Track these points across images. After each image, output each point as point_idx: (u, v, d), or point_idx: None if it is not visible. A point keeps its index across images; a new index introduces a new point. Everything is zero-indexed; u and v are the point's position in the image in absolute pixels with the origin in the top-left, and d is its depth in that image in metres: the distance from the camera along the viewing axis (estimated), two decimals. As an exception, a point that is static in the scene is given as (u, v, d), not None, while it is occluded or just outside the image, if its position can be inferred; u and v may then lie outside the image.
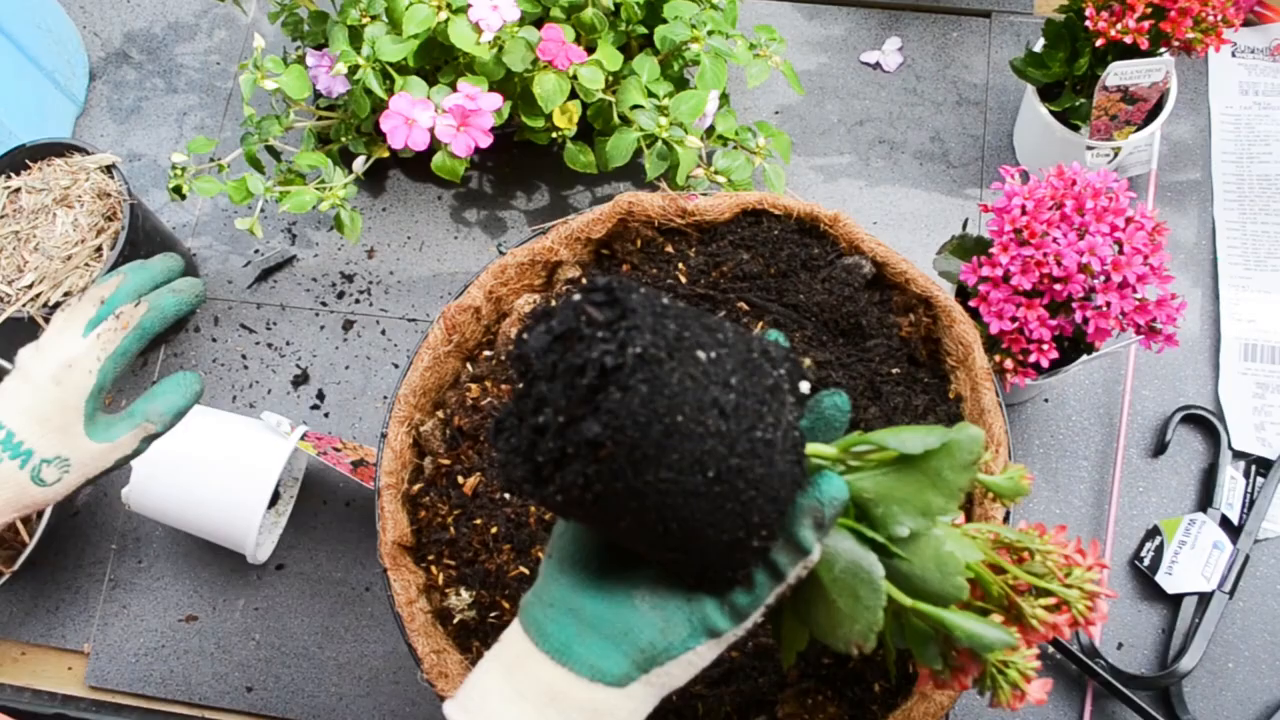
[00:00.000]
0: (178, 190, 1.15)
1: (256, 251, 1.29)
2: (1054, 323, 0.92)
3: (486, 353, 0.94)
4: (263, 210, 1.27)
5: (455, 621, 0.86)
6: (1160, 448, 1.11)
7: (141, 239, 1.16)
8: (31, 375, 0.73)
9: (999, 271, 0.92)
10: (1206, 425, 1.11)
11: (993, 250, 0.92)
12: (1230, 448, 1.09)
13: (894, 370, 0.89)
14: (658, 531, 0.51)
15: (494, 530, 0.87)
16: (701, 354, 0.50)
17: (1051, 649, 1.04)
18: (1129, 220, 0.92)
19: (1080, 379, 1.15)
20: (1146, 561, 1.06)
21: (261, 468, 1.05)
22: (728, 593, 0.56)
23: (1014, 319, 0.92)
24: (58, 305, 1.09)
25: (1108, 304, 0.90)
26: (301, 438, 1.08)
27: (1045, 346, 0.92)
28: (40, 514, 1.09)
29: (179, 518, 1.08)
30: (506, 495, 0.88)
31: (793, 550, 0.55)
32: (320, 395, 1.22)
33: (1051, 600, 0.58)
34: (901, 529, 0.56)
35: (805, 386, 0.58)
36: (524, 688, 0.55)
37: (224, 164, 1.18)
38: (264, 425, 1.09)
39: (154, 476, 1.06)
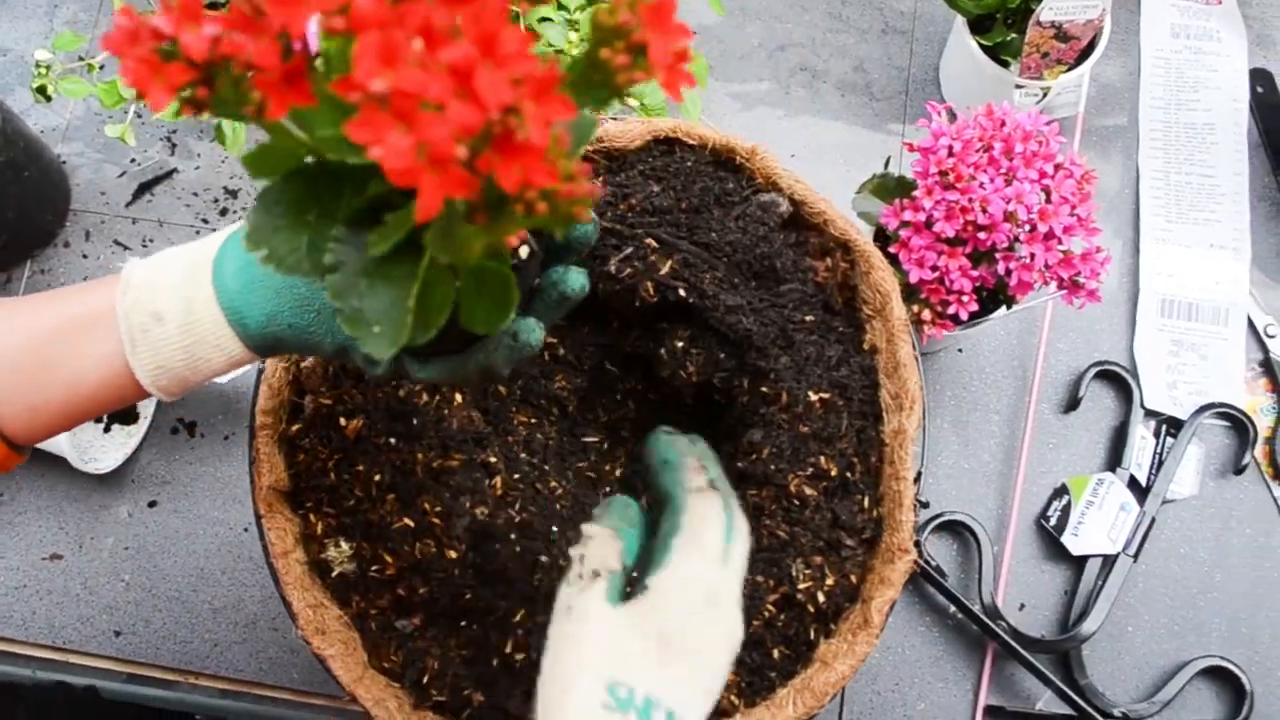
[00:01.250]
0: (42, 91, 1.05)
1: (133, 161, 1.20)
2: (976, 273, 0.88)
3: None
4: (138, 116, 1.17)
5: (334, 574, 0.80)
6: (1073, 404, 1.08)
7: (2, 143, 1.06)
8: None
9: (921, 216, 0.87)
10: (1120, 382, 1.09)
11: (916, 193, 0.88)
12: (1142, 406, 1.07)
13: (808, 318, 0.84)
14: None
15: (377, 478, 0.81)
16: None
17: (953, 609, 1.02)
18: (1058, 167, 0.88)
19: (995, 329, 1.12)
20: (1053, 521, 1.04)
21: None
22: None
23: (934, 268, 0.88)
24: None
25: (1032, 256, 0.86)
26: None
27: (966, 298, 0.88)
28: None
29: None
30: (391, 440, 0.82)
31: None
32: (199, 319, 1.14)
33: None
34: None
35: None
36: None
37: (95, 64, 1.08)
38: None
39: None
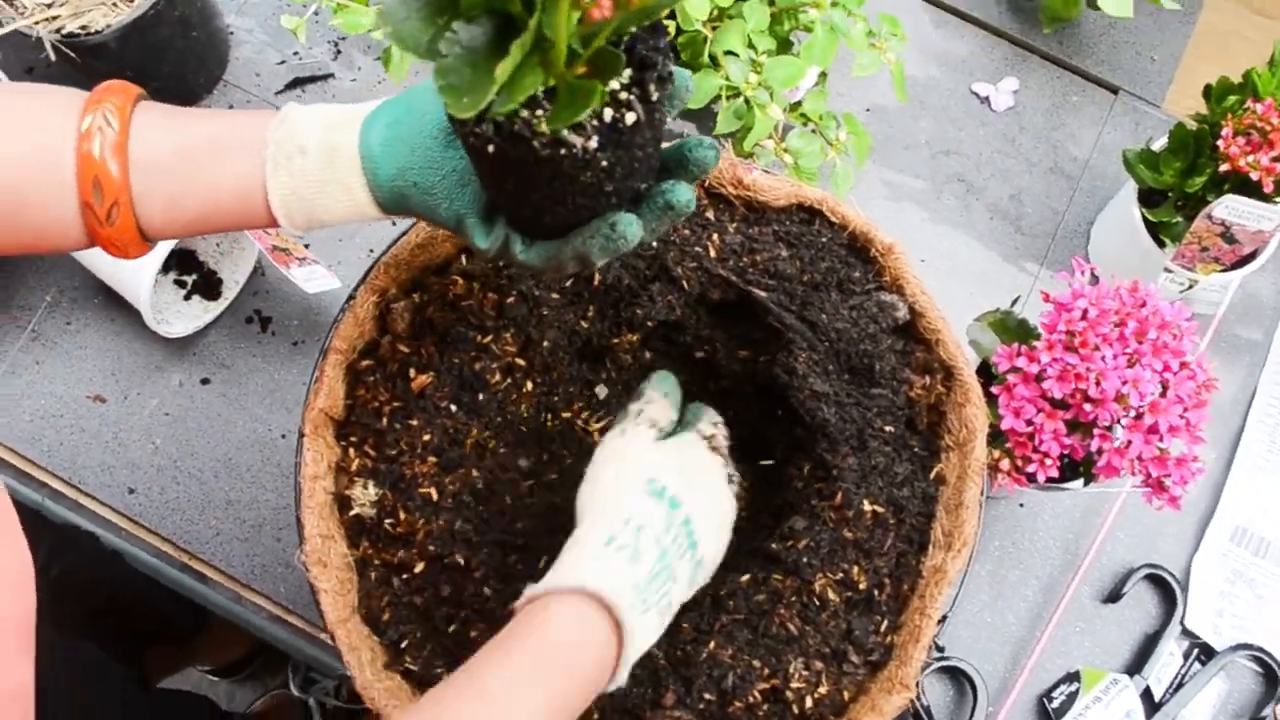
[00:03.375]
0: (237, -39, 1.06)
1: (295, 54, 1.21)
2: (1068, 441, 0.85)
3: (486, 252, 0.86)
4: (316, 14, 1.19)
5: (352, 513, 0.80)
6: (1114, 596, 1.05)
7: (180, -4, 1.07)
8: None
9: (1035, 369, 0.85)
10: (1167, 591, 1.06)
11: (1037, 345, 0.86)
12: (1182, 622, 1.04)
13: (888, 428, 0.82)
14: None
15: (426, 438, 0.81)
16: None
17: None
18: (1184, 364, 0.85)
19: (1062, 497, 1.09)
20: (1056, 703, 1.01)
21: None
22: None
23: (1030, 422, 0.86)
24: (71, 35, 1.00)
25: (1129, 443, 0.84)
26: None
27: (1050, 462, 0.86)
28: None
29: (92, 255, 1.04)
30: (453, 407, 0.82)
31: None
32: (308, 223, 1.15)
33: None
34: None
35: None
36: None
37: (293, -48, 1.10)
38: None
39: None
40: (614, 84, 0.56)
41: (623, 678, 0.64)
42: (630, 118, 0.56)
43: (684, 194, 0.63)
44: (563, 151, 0.54)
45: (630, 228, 0.61)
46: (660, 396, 0.77)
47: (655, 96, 0.56)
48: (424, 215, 0.66)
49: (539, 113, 0.54)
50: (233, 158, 0.64)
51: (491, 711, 0.59)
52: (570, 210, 0.61)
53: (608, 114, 0.55)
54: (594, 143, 0.55)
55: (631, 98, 0.56)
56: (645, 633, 0.65)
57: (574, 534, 0.69)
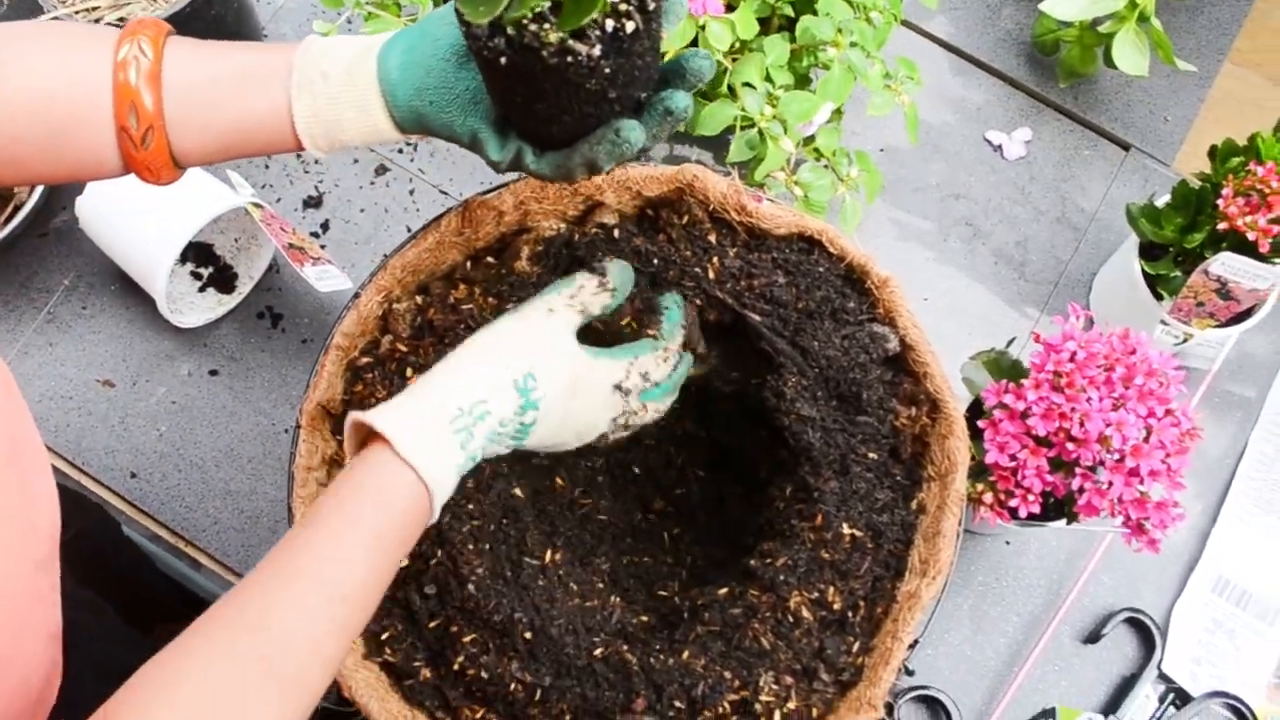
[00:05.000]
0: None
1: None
2: (1050, 478, 0.87)
3: (490, 259, 0.89)
4: (348, 22, 1.22)
5: (344, 505, 0.82)
6: (1094, 637, 1.06)
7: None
8: None
9: (1021, 405, 0.87)
10: (1146, 636, 1.07)
11: (1025, 382, 0.87)
12: (1159, 667, 1.05)
13: (871, 455, 0.84)
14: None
15: (420, 435, 0.83)
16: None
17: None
18: (1168, 412, 0.87)
19: (1048, 538, 1.10)
20: (1030, 740, 1.02)
21: (195, 209, 1.02)
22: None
23: (1013, 457, 0.87)
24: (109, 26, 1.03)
25: (1110, 484, 0.85)
26: (256, 205, 1.04)
27: (1031, 498, 0.87)
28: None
29: (111, 243, 1.07)
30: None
31: None
32: (325, 226, 1.18)
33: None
34: None
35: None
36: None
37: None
38: (226, 184, 1.07)
39: (101, 195, 1.05)
40: None
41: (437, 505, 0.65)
42: (630, 26, 0.61)
43: (681, 100, 0.67)
44: (569, 59, 0.59)
45: (634, 132, 0.66)
46: (603, 280, 0.79)
47: (651, 7, 0.61)
48: (440, 132, 0.70)
49: (546, 25, 0.59)
50: (260, 85, 0.67)
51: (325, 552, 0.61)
52: (577, 119, 0.66)
53: (609, 24, 0.60)
54: (597, 50, 0.60)
55: (630, 8, 0.61)
56: (444, 466, 0.65)
57: (446, 360, 0.69)
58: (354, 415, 0.65)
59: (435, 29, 0.68)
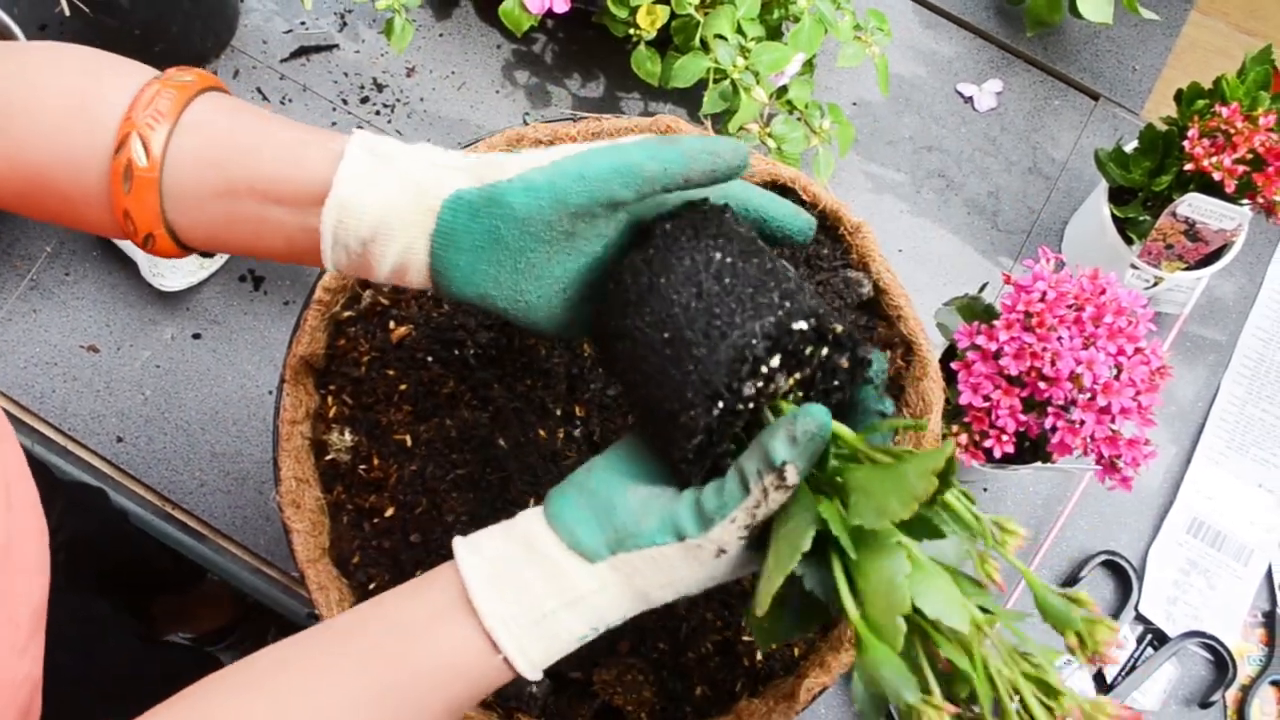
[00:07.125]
0: (246, -69, 1.10)
1: (302, 24, 1.24)
2: (1024, 418, 0.88)
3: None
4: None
5: (328, 458, 0.83)
6: (1071, 580, 1.08)
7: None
8: None
9: (993, 346, 0.88)
10: (1123, 578, 1.09)
11: (996, 323, 0.89)
12: (1136, 608, 1.07)
13: (849, 398, 0.85)
14: (627, 377, 0.61)
15: (403, 387, 0.84)
16: (716, 254, 0.59)
17: None
18: (1138, 350, 0.88)
19: (1025, 483, 1.12)
20: (1010, 679, 1.04)
21: None
22: (701, 494, 0.57)
23: (987, 398, 0.89)
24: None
25: (1081, 422, 0.87)
26: None
27: (1005, 438, 0.89)
28: None
29: None
30: (429, 359, 0.85)
31: (763, 460, 0.54)
32: (303, 189, 1.18)
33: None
34: (863, 522, 0.52)
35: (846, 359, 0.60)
36: (513, 533, 0.60)
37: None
38: None
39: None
40: None
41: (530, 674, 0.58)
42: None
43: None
44: None
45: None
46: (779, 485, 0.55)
47: None
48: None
49: None
50: (279, 217, 0.60)
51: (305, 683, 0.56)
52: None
53: None
54: None
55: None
56: (535, 652, 0.58)
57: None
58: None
59: (510, 197, 0.59)
